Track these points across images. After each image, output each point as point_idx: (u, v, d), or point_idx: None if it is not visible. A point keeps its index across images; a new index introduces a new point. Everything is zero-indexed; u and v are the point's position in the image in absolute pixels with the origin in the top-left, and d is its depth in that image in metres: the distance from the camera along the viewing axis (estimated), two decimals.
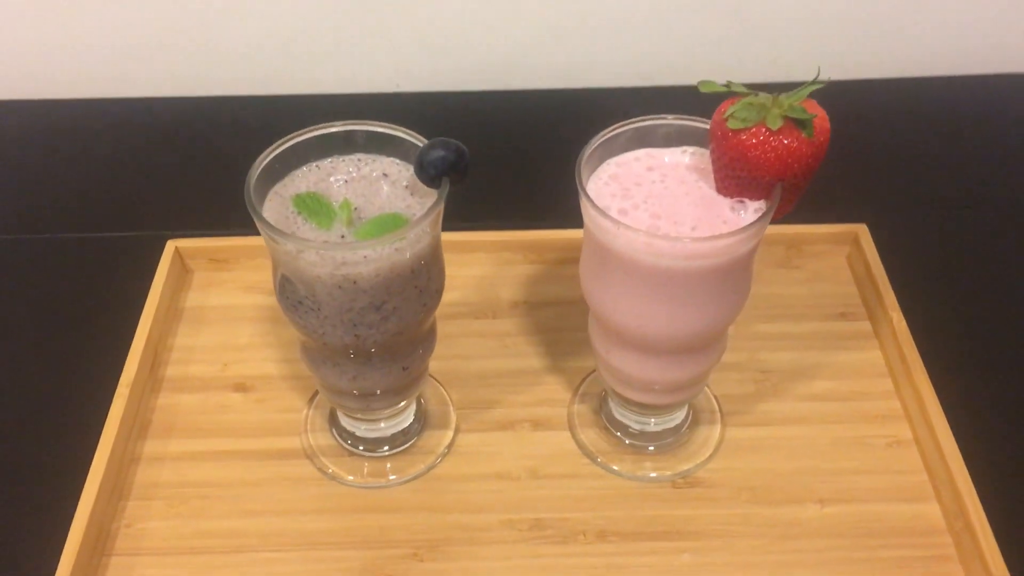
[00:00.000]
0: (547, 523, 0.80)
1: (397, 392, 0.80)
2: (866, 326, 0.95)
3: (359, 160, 0.75)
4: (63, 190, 1.16)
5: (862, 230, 1.00)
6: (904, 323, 0.90)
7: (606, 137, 0.73)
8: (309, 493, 0.82)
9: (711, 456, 0.84)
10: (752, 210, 0.70)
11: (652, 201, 0.71)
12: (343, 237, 0.69)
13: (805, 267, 1.01)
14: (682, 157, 0.75)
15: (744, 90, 0.68)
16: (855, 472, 0.83)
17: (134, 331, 0.91)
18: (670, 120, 0.75)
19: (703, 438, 0.86)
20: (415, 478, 0.83)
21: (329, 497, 0.82)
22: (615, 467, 0.83)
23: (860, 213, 1.03)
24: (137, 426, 0.86)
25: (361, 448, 0.84)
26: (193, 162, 1.20)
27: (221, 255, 1.00)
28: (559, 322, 0.95)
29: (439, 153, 0.68)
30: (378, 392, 0.78)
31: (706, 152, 0.73)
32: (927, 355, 0.88)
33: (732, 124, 0.66)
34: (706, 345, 0.76)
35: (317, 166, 0.74)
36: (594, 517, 0.80)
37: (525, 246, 1.01)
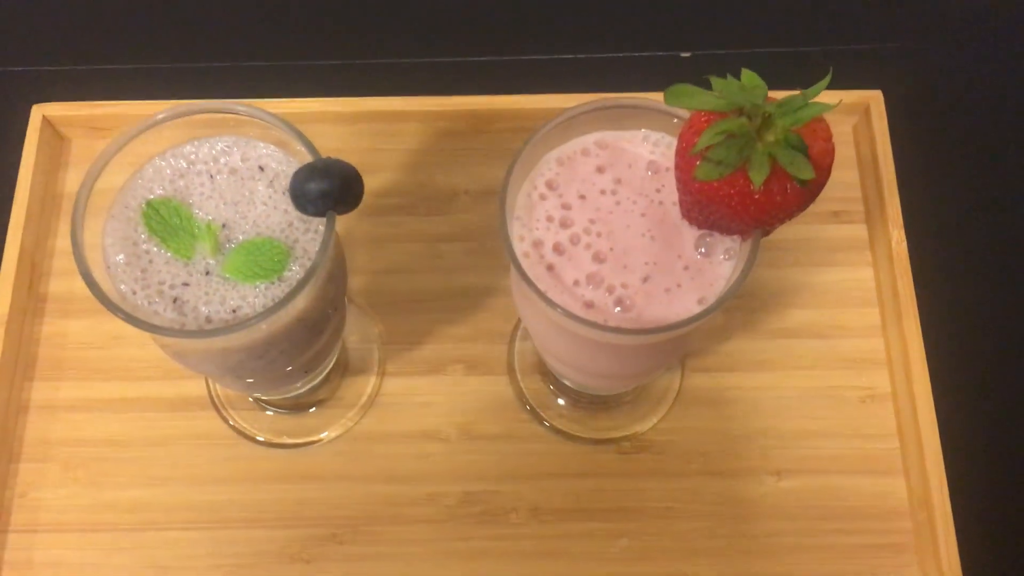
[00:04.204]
0: (477, 497, 0.73)
1: (303, 380, 0.69)
2: (861, 232, 0.81)
3: (230, 146, 0.58)
4: None
5: (875, 98, 0.82)
6: (904, 244, 0.77)
7: (546, 130, 0.56)
8: (218, 456, 0.75)
9: (665, 414, 0.75)
10: (722, 251, 0.55)
11: (598, 227, 0.56)
12: (207, 273, 0.55)
13: None
14: (642, 149, 0.58)
15: (725, 96, 0.50)
16: (821, 435, 0.75)
17: (3, 232, 0.78)
18: (628, 101, 0.57)
19: (660, 390, 0.76)
20: (335, 439, 0.75)
21: (240, 461, 0.74)
22: (556, 425, 0.75)
23: (879, 75, 0.84)
24: (21, 365, 0.76)
25: (271, 411, 0.75)
26: None
27: (102, 123, 0.83)
28: None
29: (318, 186, 0.53)
30: (280, 388, 0.68)
31: (673, 142, 0.57)
32: (923, 282, 0.76)
33: (702, 174, 0.50)
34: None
35: (172, 155, 0.58)
36: (528, 489, 0.74)
37: (469, 115, 0.83)
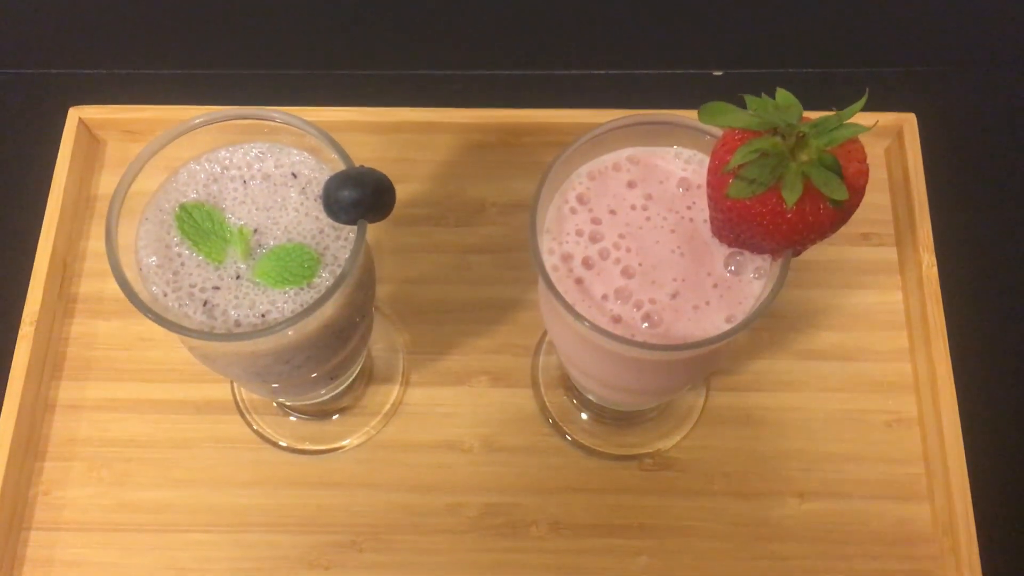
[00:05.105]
0: (498, 509, 0.73)
1: (328, 387, 0.69)
2: (891, 255, 0.81)
3: (263, 152, 0.59)
4: None
5: (908, 121, 0.82)
6: (935, 268, 0.77)
7: (578, 144, 0.56)
8: (242, 459, 0.75)
9: (688, 432, 0.75)
10: (752, 270, 0.55)
11: (627, 243, 0.56)
12: (238, 277, 0.56)
13: None
14: (674, 165, 0.58)
15: (759, 115, 0.50)
16: (845, 458, 0.74)
17: (36, 232, 0.78)
18: (661, 117, 0.57)
19: (684, 408, 0.76)
20: (357, 446, 0.75)
21: (263, 465, 0.75)
22: (578, 439, 0.75)
23: (913, 98, 0.83)
24: (50, 364, 0.77)
25: (294, 417, 0.76)
26: None
27: (137, 127, 0.84)
28: None
29: (350, 194, 0.53)
30: (304, 394, 0.68)
31: (706, 160, 0.57)
32: (953, 307, 0.76)
33: (735, 192, 0.49)
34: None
35: (207, 160, 0.58)
36: (549, 503, 0.73)
37: (500, 128, 0.84)
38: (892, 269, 0.80)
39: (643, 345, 0.51)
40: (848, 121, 0.49)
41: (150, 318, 0.52)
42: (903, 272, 0.79)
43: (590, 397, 0.73)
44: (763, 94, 0.51)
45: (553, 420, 0.75)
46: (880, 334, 0.78)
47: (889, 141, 0.83)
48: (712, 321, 0.54)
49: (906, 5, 0.95)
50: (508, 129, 0.83)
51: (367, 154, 0.83)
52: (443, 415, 0.76)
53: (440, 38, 0.93)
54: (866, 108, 0.50)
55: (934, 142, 0.82)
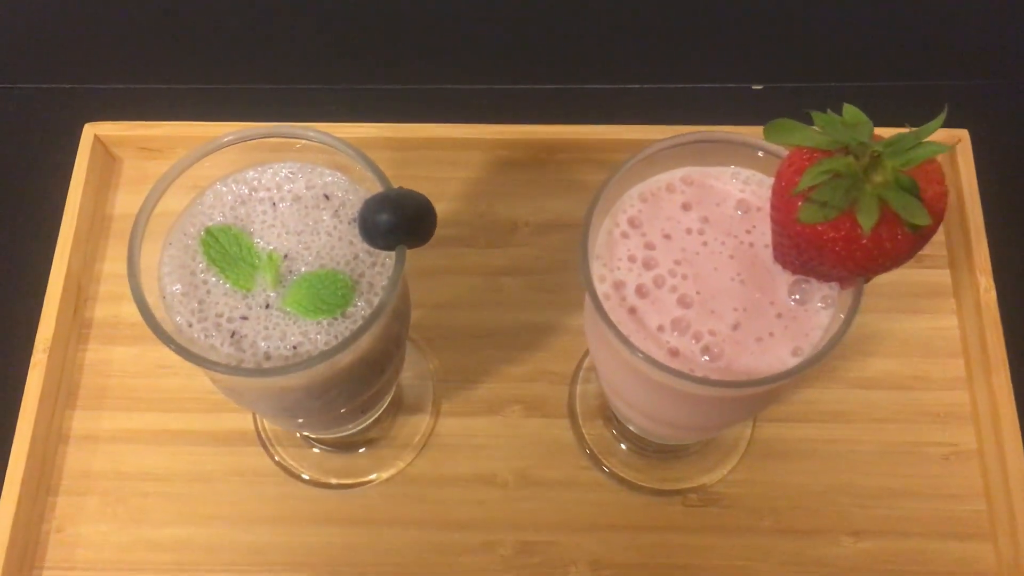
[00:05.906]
0: (535, 547, 0.69)
1: (356, 420, 0.66)
2: (945, 277, 0.77)
3: (294, 172, 0.55)
4: None
5: (961, 137, 0.78)
6: (993, 293, 0.73)
7: (630, 164, 0.52)
8: (264, 494, 0.71)
9: (734, 466, 0.71)
10: (819, 299, 0.51)
11: (683, 269, 0.52)
12: (267, 306, 0.52)
13: None
14: (731, 186, 0.54)
15: (829, 133, 0.46)
16: (901, 494, 0.70)
17: (50, 253, 0.75)
18: (717, 135, 0.53)
19: (729, 440, 0.72)
20: (386, 480, 0.71)
21: (287, 500, 0.71)
22: (618, 473, 0.71)
23: (963, 113, 0.80)
24: (63, 393, 0.73)
25: (319, 450, 0.72)
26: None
27: (154, 143, 0.81)
28: (568, 254, 0.78)
29: (389, 218, 0.49)
30: (332, 428, 0.65)
31: (764, 180, 0.53)
32: (1012, 332, 0.72)
33: (806, 216, 0.46)
34: None
35: (234, 181, 0.55)
36: (589, 541, 0.70)
37: (531, 144, 0.80)
38: (946, 292, 0.76)
39: (705, 382, 0.48)
40: (925, 140, 0.46)
41: (174, 350, 0.48)
42: (958, 296, 0.76)
43: (631, 428, 0.69)
44: (829, 110, 0.47)
45: (591, 452, 0.71)
46: (935, 361, 0.74)
47: (940, 158, 0.79)
48: (776, 354, 0.50)
49: (951, 15, 0.91)
50: (541, 145, 0.80)
51: (393, 172, 0.77)
52: (476, 447, 0.72)
53: (470, 52, 0.89)
54: (911, 123, 0.46)
55: (988, 158, 0.78)
